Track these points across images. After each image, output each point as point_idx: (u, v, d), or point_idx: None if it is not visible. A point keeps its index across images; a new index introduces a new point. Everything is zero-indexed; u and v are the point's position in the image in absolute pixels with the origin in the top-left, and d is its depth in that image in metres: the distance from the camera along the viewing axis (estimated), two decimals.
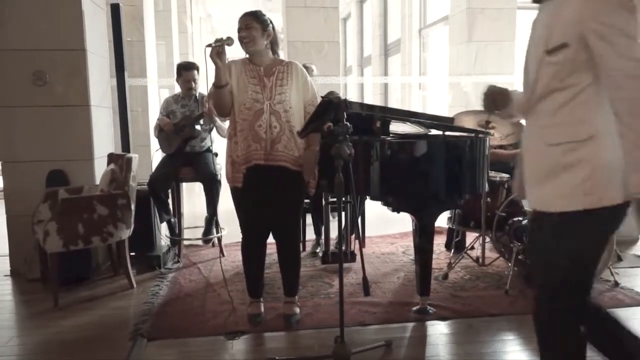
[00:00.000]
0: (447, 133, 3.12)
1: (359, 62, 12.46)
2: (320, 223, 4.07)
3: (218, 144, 4.11)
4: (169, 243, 4.03)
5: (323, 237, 3.91)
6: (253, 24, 2.61)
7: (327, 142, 2.56)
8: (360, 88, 11.49)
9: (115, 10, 4.03)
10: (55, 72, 3.67)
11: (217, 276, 3.58)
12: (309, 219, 4.18)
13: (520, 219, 3.49)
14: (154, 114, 5.43)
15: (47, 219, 3.19)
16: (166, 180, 3.86)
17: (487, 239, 3.78)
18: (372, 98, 10.55)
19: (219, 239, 4.06)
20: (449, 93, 7.30)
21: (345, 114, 2.25)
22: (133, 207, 3.35)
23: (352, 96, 7.88)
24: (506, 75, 6.14)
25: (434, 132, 3.28)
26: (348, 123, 2.21)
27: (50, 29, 3.63)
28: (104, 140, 4.01)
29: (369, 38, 11.68)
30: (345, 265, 3.64)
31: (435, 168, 2.81)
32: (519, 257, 3.36)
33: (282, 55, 2.88)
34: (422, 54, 9.48)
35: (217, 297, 3.19)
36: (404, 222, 4.55)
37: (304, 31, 5.89)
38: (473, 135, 3.01)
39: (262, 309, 2.88)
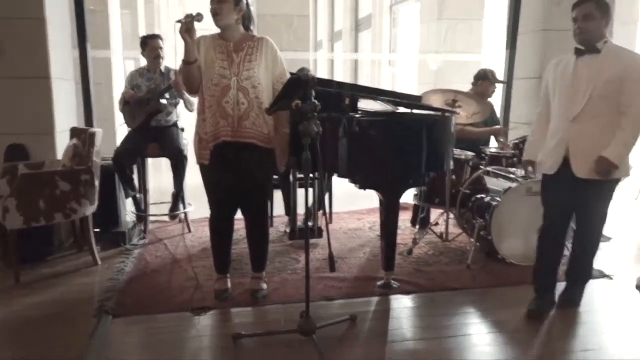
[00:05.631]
0: (414, 111, 3.15)
1: (329, 36, 12.35)
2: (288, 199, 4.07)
3: (185, 119, 4.05)
4: (134, 219, 3.98)
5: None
6: None
7: (295, 119, 2.55)
8: (330, 64, 11.43)
9: None
10: (13, 42, 3.52)
11: (184, 252, 3.57)
12: (278, 194, 4.18)
13: (483, 196, 3.58)
14: (118, 87, 5.29)
15: (6, 194, 3.10)
16: (131, 156, 3.78)
17: (451, 215, 3.88)
18: (342, 74, 10.51)
19: (186, 215, 4.04)
20: (418, 70, 7.33)
21: (313, 91, 2.25)
22: (97, 183, 3.29)
23: (322, 72, 7.79)
24: (474, 54, 6.20)
25: (402, 109, 3.31)
26: (316, 101, 2.21)
27: None
28: (66, 113, 3.89)
29: (340, 12, 11.56)
30: (312, 241, 3.67)
31: (401, 146, 2.83)
32: (481, 232, 3.46)
33: (255, 30, 2.83)
34: (392, 30, 9.46)
35: (183, 273, 3.19)
36: (371, 198, 4.61)
37: (273, 4, 5.79)
38: (440, 113, 3.05)
39: (229, 284, 2.90)
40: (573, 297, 2.82)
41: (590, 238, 2.72)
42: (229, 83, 2.58)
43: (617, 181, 2.54)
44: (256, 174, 2.71)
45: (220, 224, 2.83)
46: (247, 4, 2.69)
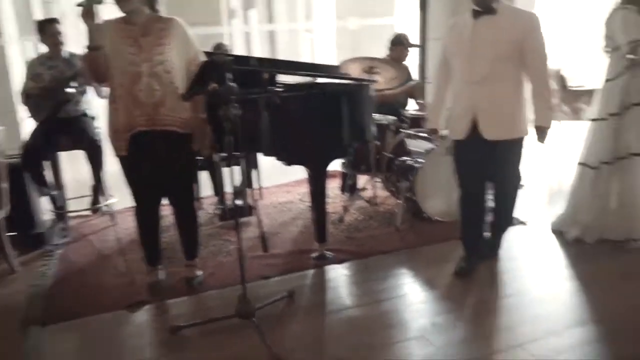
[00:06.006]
0: (332, 83, 3.16)
1: (243, 4, 11.97)
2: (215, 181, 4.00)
3: (97, 107, 3.83)
4: (53, 217, 3.76)
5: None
6: None
7: (214, 102, 2.47)
8: (246, 36, 11.01)
9: None
10: None
11: (111, 246, 3.44)
12: (204, 175, 4.09)
13: (407, 158, 3.70)
14: (18, 77, 4.86)
15: None
16: (42, 151, 3.54)
17: (379, 180, 3.98)
18: (260, 44, 10.23)
19: (109, 207, 3.87)
20: (336, 34, 7.31)
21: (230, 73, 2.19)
22: (4, 185, 3.06)
23: (239, 46, 7.52)
24: (388, 17, 6.25)
25: (321, 80, 3.31)
26: (233, 83, 2.16)
27: None
28: None
29: None
30: (244, 219, 3.64)
31: (322, 119, 2.84)
32: (407, 194, 3.59)
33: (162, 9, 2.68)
34: None
35: (113, 269, 3.08)
36: (299, 169, 4.63)
37: None
38: (358, 83, 3.08)
39: (163, 275, 2.84)
40: (494, 246, 3.00)
41: (507, 195, 2.84)
42: (139, 70, 2.44)
43: (522, 139, 2.66)
44: (178, 162, 2.63)
45: (145, 216, 2.74)
46: None
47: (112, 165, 2.97)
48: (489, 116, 2.57)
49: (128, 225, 3.77)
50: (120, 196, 3.86)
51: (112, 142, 2.59)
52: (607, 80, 3.04)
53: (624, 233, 3.05)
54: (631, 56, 2.85)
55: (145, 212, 2.73)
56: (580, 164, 3.22)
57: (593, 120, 3.14)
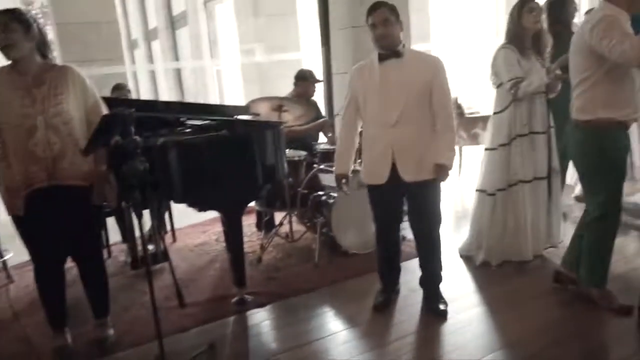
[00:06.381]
0: (241, 124, 3.17)
1: (144, 35, 11.68)
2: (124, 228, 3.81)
3: None
4: None
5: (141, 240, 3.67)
6: (11, 25, 2.25)
7: (118, 155, 2.36)
8: (151, 74, 10.68)
9: None
10: None
11: (8, 308, 3.15)
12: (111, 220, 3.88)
13: (320, 193, 3.75)
14: None
15: None
16: None
17: (295, 214, 3.99)
18: (165, 79, 9.98)
19: (4, 263, 3.55)
20: (241, 67, 7.33)
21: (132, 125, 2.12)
22: None
23: (143, 84, 7.25)
24: (294, 52, 6.38)
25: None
26: (137, 137, 2.09)
27: None
28: None
29: (153, 9, 11.00)
30: (159, 266, 3.48)
31: (232, 163, 2.81)
32: (323, 229, 3.63)
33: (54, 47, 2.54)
34: (210, 26, 9.29)
35: (11, 335, 2.82)
36: None
37: (74, 10, 5.25)
38: (267, 125, 3.10)
39: (69, 339, 2.64)
40: (438, 301, 2.84)
41: (429, 236, 2.79)
42: (34, 123, 2.29)
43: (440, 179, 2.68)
44: (80, 217, 2.48)
45: (47, 277, 2.54)
46: (40, 28, 2.40)
47: (5, 215, 2.73)
48: (406, 158, 2.58)
49: (27, 281, 3.47)
50: (16, 250, 3.55)
51: (6, 200, 2.39)
52: (494, 113, 3.28)
53: (521, 255, 3.29)
54: (512, 92, 3.11)
55: (47, 273, 2.53)
56: (478, 190, 3.43)
57: (486, 149, 3.38)
